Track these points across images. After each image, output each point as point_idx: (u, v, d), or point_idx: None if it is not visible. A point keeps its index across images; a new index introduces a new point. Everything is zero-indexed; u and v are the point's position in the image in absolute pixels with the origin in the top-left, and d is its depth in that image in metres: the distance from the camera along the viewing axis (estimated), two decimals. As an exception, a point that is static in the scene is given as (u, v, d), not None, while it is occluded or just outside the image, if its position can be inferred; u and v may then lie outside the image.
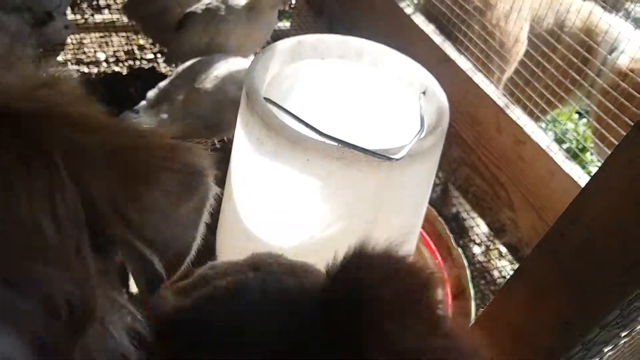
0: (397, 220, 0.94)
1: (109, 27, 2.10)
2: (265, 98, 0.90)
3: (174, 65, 1.91)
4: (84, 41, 2.00)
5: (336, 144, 0.82)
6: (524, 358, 0.77)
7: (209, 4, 1.63)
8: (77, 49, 1.98)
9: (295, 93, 1.06)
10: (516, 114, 1.53)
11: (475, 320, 1.00)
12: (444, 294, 1.33)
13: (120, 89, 1.81)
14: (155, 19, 1.76)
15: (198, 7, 1.64)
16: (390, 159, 0.81)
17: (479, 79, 1.62)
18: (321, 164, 0.83)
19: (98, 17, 2.11)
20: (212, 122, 1.40)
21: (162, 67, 1.97)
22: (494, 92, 1.57)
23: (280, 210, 0.91)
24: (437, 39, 1.74)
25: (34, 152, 0.36)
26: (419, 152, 0.85)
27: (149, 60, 2.02)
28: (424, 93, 0.99)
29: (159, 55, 2.03)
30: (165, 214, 0.41)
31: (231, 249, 1.02)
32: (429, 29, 1.77)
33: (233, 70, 1.44)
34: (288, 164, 0.85)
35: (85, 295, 0.36)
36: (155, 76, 1.91)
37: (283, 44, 1.02)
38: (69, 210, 0.36)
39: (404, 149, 0.82)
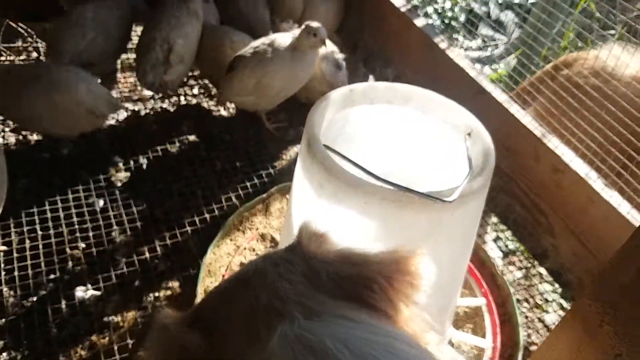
0: (446, 256, 1.01)
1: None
2: (324, 145, 0.98)
3: (223, 106, 2.03)
4: (131, 79, 2.13)
5: (392, 187, 0.89)
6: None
7: (257, 47, 1.75)
8: (125, 87, 2.11)
9: (346, 136, 1.14)
10: (554, 143, 1.58)
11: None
12: (491, 321, 1.38)
13: (164, 127, 1.93)
14: (211, 62, 1.89)
15: (247, 51, 1.76)
16: (443, 201, 0.88)
17: (515, 109, 1.68)
18: (378, 206, 0.90)
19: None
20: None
21: (206, 104, 2.07)
22: (531, 122, 1.63)
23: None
24: (472, 72, 1.81)
25: None
26: (468, 193, 0.92)
27: (194, 96, 2.13)
28: (469, 135, 1.06)
29: (202, 90, 2.15)
30: None
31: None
32: (464, 62, 1.84)
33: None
34: (347, 206, 0.93)
35: None
36: (201, 112, 2.03)
37: (336, 93, 1.12)
38: None
39: (456, 191, 0.89)
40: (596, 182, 1.47)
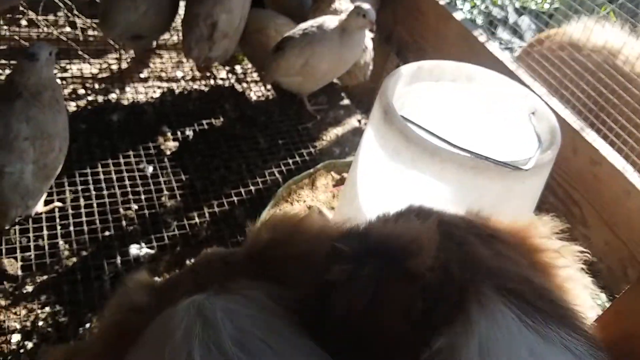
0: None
1: (179, 48, 2.23)
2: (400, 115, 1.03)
3: (264, 86, 2.08)
4: (160, 60, 2.18)
5: (469, 155, 0.95)
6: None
7: (306, 29, 1.80)
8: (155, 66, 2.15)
9: (413, 110, 1.20)
10: (591, 136, 1.64)
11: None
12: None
13: (204, 105, 1.98)
14: (255, 44, 1.94)
15: (296, 32, 1.81)
16: (519, 169, 0.93)
17: (554, 103, 1.74)
18: (455, 172, 0.96)
19: (175, 38, 2.27)
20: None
21: (239, 86, 2.12)
22: (570, 116, 1.69)
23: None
24: (512, 66, 1.87)
25: None
26: (539, 165, 0.98)
27: (222, 79, 2.17)
28: (533, 113, 1.11)
29: (230, 74, 2.19)
30: None
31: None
32: (503, 56, 1.90)
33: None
34: (423, 172, 0.99)
35: None
36: (236, 93, 2.07)
37: (406, 68, 1.17)
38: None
39: (531, 160, 0.95)
40: (633, 175, 1.53)
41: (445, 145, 0.98)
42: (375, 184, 1.10)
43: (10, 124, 1.27)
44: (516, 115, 1.16)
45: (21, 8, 2.15)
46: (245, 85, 2.14)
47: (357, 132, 1.99)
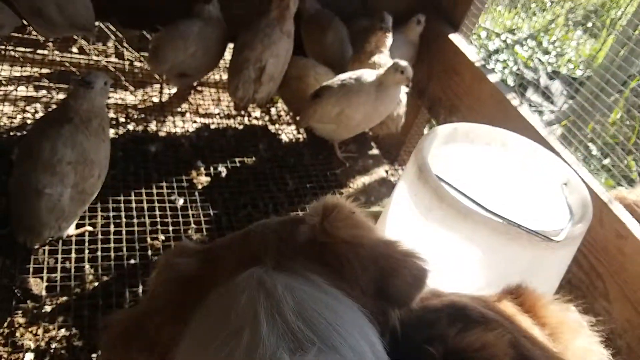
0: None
1: (219, 86, 2.35)
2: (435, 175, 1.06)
3: (297, 130, 2.14)
4: (199, 96, 2.25)
5: (502, 221, 0.96)
6: None
7: (344, 80, 1.86)
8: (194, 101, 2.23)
9: (448, 170, 1.22)
10: (619, 209, 1.63)
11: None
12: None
13: (238, 143, 2.03)
14: (293, 89, 2.01)
15: (334, 82, 1.87)
16: (551, 240, 0.94)
17: (583, 172, 1.75)
18: (486, 236, 0.97)
19: (213, 77, 2.36)
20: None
21: (271, 127, 2.18)
22: (598, 187, 1.69)
23: (438, 270, 1.04)
24: (543, 131, 1.89)
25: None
26: (570, 237, 0.98)
27: (256, 119, 2.23)
28: (565, 184, 1.13)
29: (264, 115, 2.26)
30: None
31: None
32: (535, 121, 1.93)
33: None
34: (454, 232, 1.00)
35: None
36: (269, 134, 2.13)
37: (442, 129, 1.20)
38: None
39: (562, 232, 0.95)
40: (660, 253, 1.52)
41: (478, 208, 1.00)
42: (404, 238, 1.11)
43: (56, 148, 1.32)
44: (547, 183, 1.18)
45: (74, 36, 2.27)
46: (277, 126, 2.20)
47: (384, 183, 2.01)
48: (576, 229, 1.00)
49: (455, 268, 1.02)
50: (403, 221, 1.12)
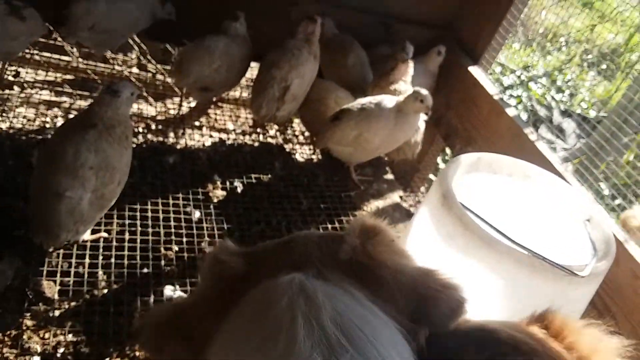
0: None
1: (239, 103, 2.38)
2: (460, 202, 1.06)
3: (313, 151, 2.16)
4: (217, 111, 2.28)
5: (527, 252, 0.96)
6: None
7: (364, 104, 1.88)
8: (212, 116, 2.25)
9: (471, 199, 1.22)
10: (635, 250, 1.62)
11: None
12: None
13: (255, 159, 2.04)
14: (313, 111, 2.03)
15: (354, 105, 1.89)
16: (575, 274, 0.93)
17: (599, 210, 1.75)
18: (510, 266, 0.96)
19: (232, 94, 2.38)
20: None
21: (286, 146, 2.19)
22: (614, 226, 1.69)
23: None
24: (560, 167, 1.90)
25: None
26: (594, 273, 0.98)
27: (272, 137, 2.24)
28: (588, 220, 1.12)
29: (279, 134, 2.27)
30: None
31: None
32: (552, 157, 1.93)
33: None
34: (476, 260, 1.00)
35: None
36: (284, 153, 2.14)
37: (466, 158, 1.21)
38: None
39: (587, 268, 0.95)
40: (675, 296, 1.50)
41: (503, 238, 0.99)
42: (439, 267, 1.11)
43: (79, 152, 1.33)
44: (568, 218, 1.17)
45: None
46: (291, 146, 2.21)
47: (398, 208, 2.01)
48: (600, 265, 1.00)
49: (475, 297, 1.01)
50: (424, 246, 1.12)
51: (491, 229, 1.02)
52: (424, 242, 1.12)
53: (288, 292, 0.59)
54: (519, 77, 4.07)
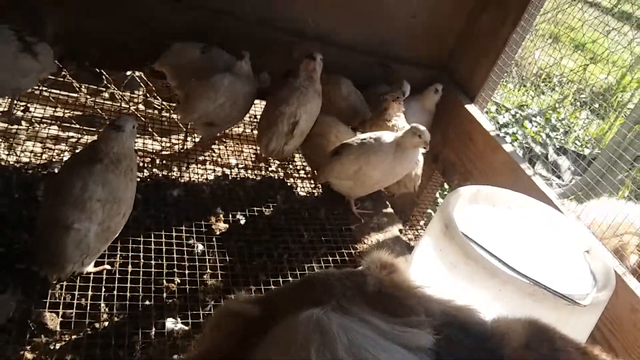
0: None
1: (242, 138, 2.43)
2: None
3: (313, 185, 2.19)
4: (221, 146, 2.32)
5: (529, 282, 0.98)
6: None
7: (364, 139, 1.92)
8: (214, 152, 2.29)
9: (471, 230, 1.24)
10: (634, 283, 1.64)
11: None
12: None
13: (257, 193, 2.07)
14: (315, 145, 2.08)
15: (354, 140, 1.93)
16: (577, 304, 0.95)
17: (596, 243, 1.77)
18: (512, 295, 0.98)
19: (235, 129, 2.44)
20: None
21: (287, 180, 2.22)
22: (612, 259, 1.71)
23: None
24: (558, 202, 1.93)
25: None
26: (595, 303, 0.99)
27: (273, 172, 2.28)
28: (588, 252, 1.15)
29: (280, 169, 2.31)
30: None
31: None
32: (549, 192, 1.97)
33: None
34: (479, 289, 1.01)
35: None
36: (285, 187, 2.17)
37: (465, 190, 1.24)
38: None
39: (588, 297, 0.96)
40: (675, 329, 1.51)
41: (505, 267, 1.01)
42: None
43: (87, 185, 1.36)
44: (567, 249, 1.20)
45: (105, 82, 2.36)
46: (293, 180, 2.25)
47: (398, 241, 2.03)
48: (601, 295, 1.01)
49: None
50: (427, 275, 1.13)
51: (493, 258, 1.04)
52: (427, 271, 1.13)
53: (304, 329, 0.63)
54: (514, 115, 4.16)
